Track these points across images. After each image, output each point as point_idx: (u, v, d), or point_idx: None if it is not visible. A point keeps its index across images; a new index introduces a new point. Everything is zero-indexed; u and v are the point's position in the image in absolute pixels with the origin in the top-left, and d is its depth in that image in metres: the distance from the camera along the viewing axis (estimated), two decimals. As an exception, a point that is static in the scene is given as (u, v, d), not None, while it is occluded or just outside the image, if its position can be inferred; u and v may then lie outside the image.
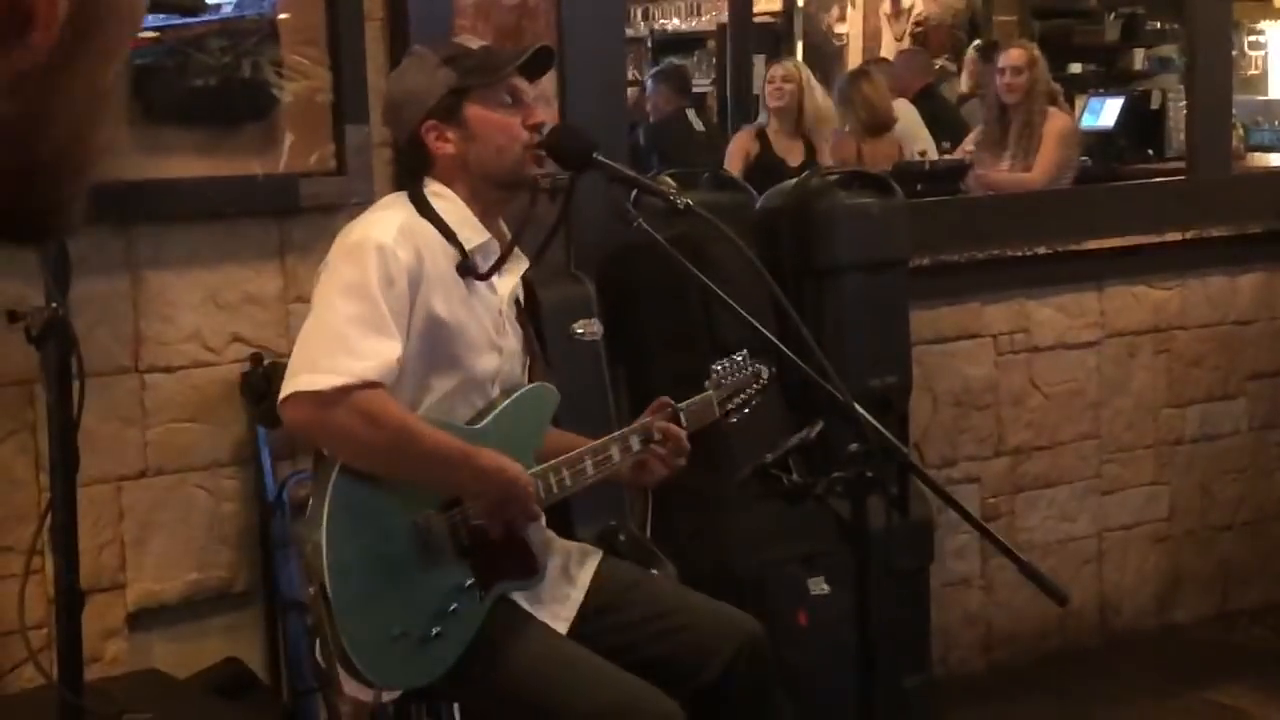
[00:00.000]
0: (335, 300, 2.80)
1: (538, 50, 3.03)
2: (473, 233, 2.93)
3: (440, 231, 2.90)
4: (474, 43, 3.06)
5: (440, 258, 2.89)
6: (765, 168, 6.36)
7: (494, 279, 2.97)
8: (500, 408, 2.97)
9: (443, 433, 2.83)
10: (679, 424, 3.05)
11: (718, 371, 3.17)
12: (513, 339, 3.04)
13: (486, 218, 2.97)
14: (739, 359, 3.20)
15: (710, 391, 3.14)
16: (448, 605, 2.82)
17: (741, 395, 3.19)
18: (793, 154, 6.69)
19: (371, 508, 2.77)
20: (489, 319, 2.96)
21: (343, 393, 2.72)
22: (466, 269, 2.91)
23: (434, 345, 2.87)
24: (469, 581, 2.85)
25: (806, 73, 7.04)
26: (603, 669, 2.86)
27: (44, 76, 0.80)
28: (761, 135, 6.82)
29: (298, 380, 2.77)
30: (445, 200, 2.95)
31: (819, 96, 6.91)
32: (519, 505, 2.86)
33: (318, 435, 2.81)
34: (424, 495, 2.84)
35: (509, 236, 3.04)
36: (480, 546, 2.86)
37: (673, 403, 3.07)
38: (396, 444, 2.76)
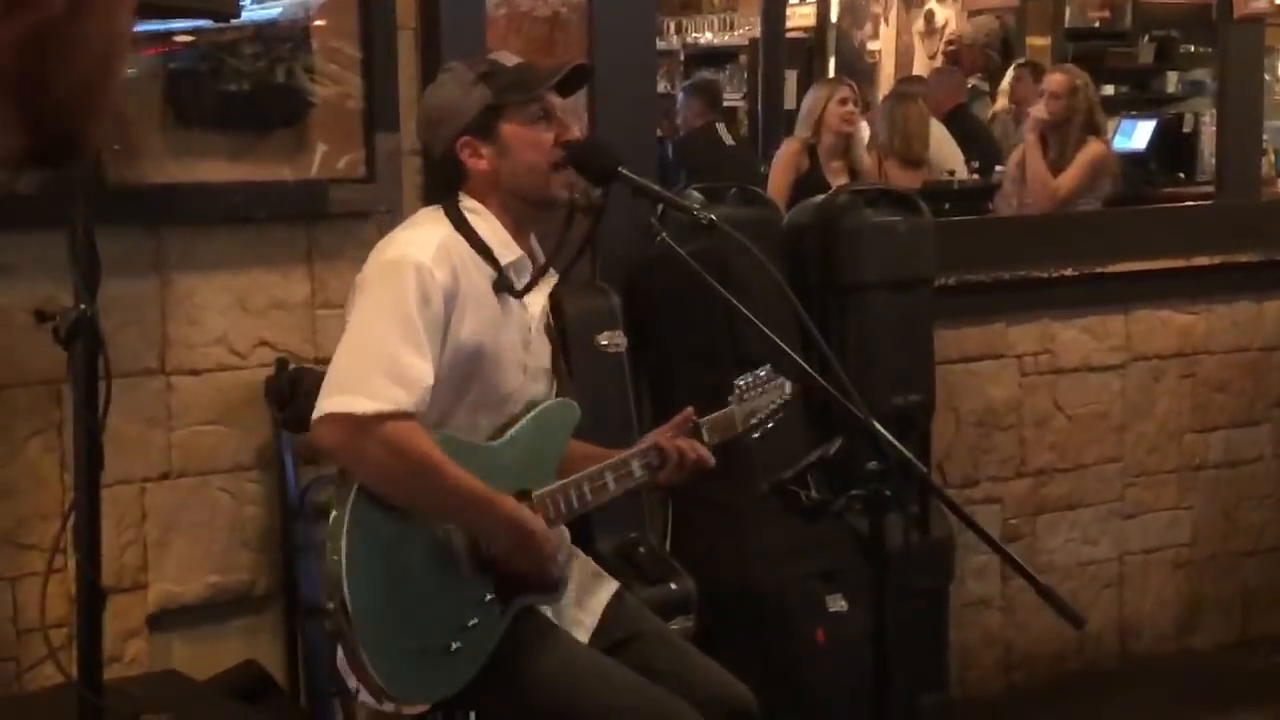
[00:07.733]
0: (373, 320, 2.78)
1: (573, 68, 3.03)
2: (506, 249, 2.93)
3: (475, 248, 2.89)
4: (509, 59, 3.03)
5: (475, 275, 2.87)
6: (815, 188, 5.86)
7: (526, 296, 2.97)
8: (521, 424, 2.95)
9: (466, 474, 2.77)
10: (700, 438, 3.05)
11: (740, 386, 3.16)
12: (540, 356, 3.03)
13: (519, 234, 2.97)
14: (762, 374, 3.19)
15: (734, 407, 3.14)
16: (467, 619, 2.80)
17: (765, 411, 3.18)
18: (839, 178, 6.38)
19: (392, 522, 2.75)
20: (519, 336, 2.95)
21: (377, 420, 2.69)
22: (502, 285, 2.91)
23: (464, 362, 2.85)
24: (489, 596, 2.84)
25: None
26: (629, 676, 2.85)
27: (60, 27, 0.81)
28: (812, 152, 6.54)
29: (334, 400, 2.73)
30: (480, 216, 2.94)
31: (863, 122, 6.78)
32: (537, 558, 2.84)
33: (346, 458, 2.76)
34: None
35: (539, 253, 3.04)
36: (500, 562, 2.85)
37: (695, 417, 3.07)
38: (419, 479, 2.73)
